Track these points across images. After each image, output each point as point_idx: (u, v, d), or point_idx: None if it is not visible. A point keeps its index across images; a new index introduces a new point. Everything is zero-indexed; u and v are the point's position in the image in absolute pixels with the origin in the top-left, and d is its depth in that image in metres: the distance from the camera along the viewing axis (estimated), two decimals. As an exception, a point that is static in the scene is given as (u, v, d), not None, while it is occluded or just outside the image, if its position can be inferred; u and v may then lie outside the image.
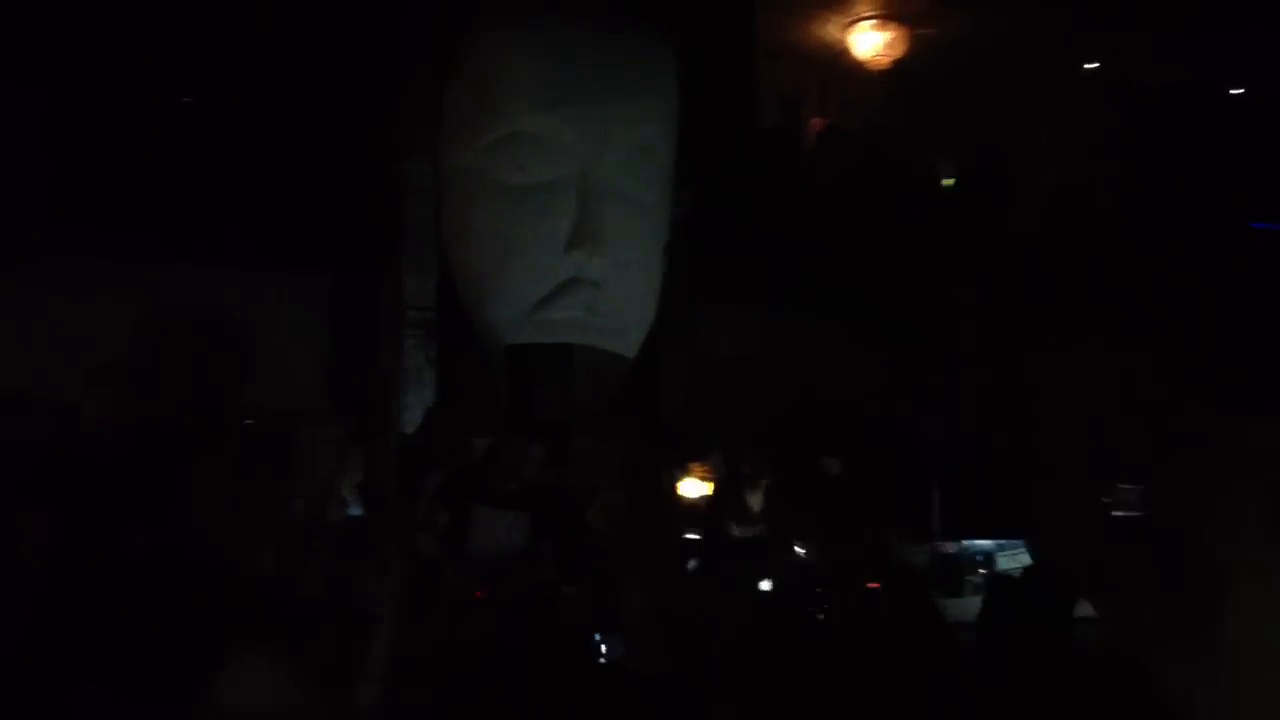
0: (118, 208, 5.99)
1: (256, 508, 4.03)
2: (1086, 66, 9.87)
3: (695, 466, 5.89)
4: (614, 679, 3.34)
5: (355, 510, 4.41)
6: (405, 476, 5.57)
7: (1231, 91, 8.90)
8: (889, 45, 9.26)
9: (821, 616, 4.69)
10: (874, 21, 9.20)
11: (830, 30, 9.40)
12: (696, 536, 5.27)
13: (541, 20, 6.68)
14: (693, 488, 5.83)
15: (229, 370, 6.15)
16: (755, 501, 5.37)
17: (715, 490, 5.66)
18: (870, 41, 9.32)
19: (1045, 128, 9.64)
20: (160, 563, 3.57)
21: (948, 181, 8.64)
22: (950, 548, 5.67)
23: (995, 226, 8.19)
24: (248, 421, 5.53)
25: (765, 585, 5.02)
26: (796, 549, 5.32)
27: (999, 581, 4.95)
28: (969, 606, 4.78)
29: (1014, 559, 5.56)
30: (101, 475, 3.85)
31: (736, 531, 5.31)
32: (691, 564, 5.14)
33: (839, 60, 9.65)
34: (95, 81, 6.10)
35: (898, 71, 9.43)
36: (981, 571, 5.48)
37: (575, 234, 6.43)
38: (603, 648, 3.63)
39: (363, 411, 5.63)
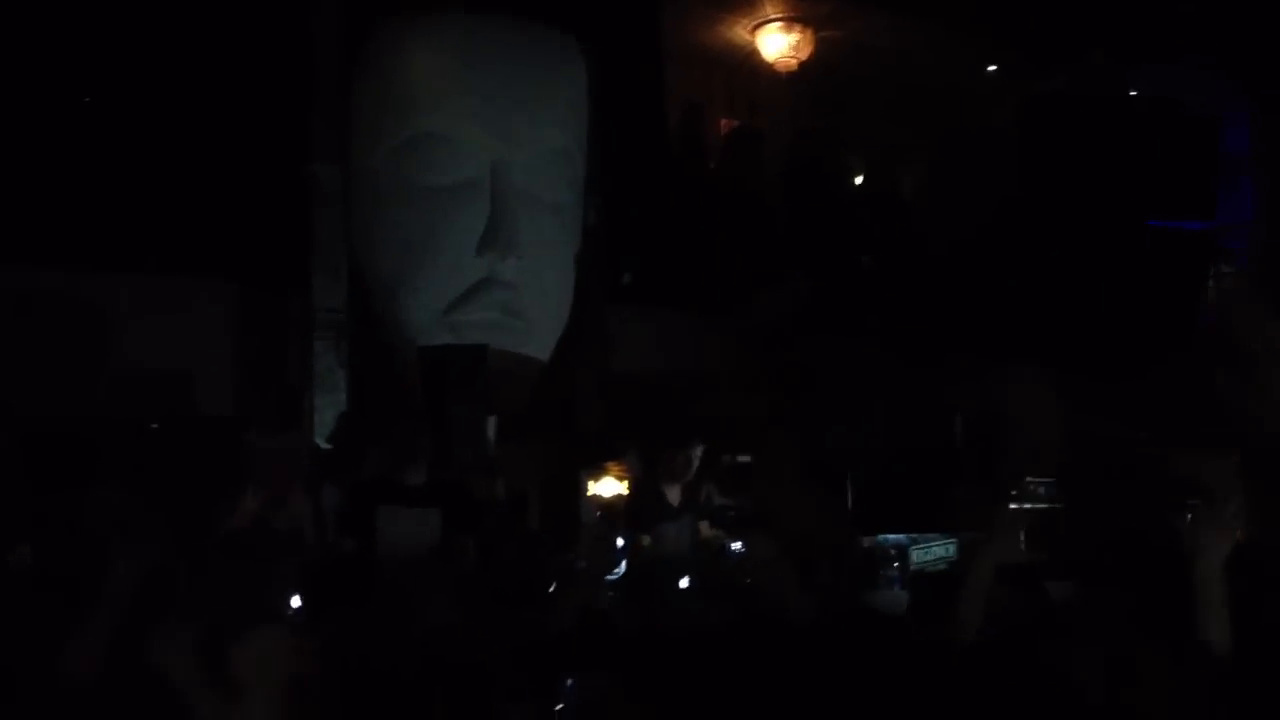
0: (15, 210, 5.83)
1: (177, 515, 3.92)
2: (987, 70, 10.08)
3: (610, 466, 5.90)
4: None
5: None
6: (317, 480, 5.48)
7: (1129, 94, 9.12)
8: (795, 47, 9.39)
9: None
10: (780, 24, 9.33)
11: (738, 33, 9.51)
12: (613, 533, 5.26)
13: (448, 22, 6.66)
14: (608, 487, 5.84)
15: (132, 375, 6.00)
16: (672, 498, 5.37)
17: (630, 490, 5.66)
18: (777, 44, 9.44)
19: (950, 129, 9.80)
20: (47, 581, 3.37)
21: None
22: (866, 542, 5.71)
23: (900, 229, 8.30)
24: (154, 426, 5.41)
25: (684, 583, 5.02)
26: (721, 545, 5.34)
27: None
28: (884, 599, 4.88)
29: (927, 552, 5.63)
30: None
31: (647, 536, 5.29)
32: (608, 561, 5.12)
33: (747, 62, 9.75)
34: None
35: (805, 73, 9.56)
36: (895, 565, 5.53)
37: (487, 235, 6.41)
38: None
39: (274, 415, 5.54)
